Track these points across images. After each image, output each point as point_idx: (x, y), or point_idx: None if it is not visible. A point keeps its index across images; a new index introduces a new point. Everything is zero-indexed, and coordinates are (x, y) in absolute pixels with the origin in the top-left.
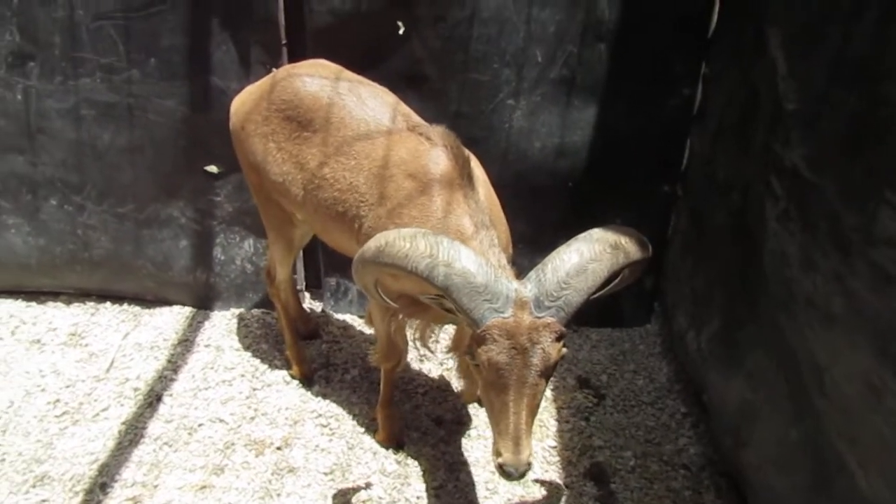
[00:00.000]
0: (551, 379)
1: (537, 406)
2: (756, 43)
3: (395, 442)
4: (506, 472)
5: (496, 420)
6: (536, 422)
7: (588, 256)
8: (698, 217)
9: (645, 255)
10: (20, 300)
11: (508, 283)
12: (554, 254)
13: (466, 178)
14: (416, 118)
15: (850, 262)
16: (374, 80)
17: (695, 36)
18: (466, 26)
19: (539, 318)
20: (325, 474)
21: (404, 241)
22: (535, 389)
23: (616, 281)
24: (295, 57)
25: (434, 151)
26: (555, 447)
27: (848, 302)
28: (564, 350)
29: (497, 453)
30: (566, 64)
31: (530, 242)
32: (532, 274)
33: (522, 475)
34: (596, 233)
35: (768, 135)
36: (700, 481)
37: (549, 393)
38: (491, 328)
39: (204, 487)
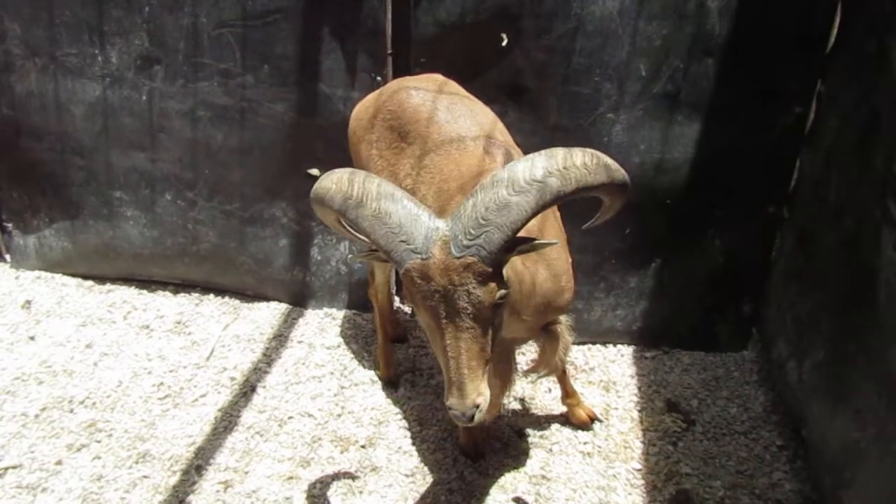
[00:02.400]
0: (636, 399)
1: (483, 349)
2: (879, 59)
3: (475, 451)
4: (454, 416)
5: (441, 363)
6: (616, 440)
7: (511, 188)
8: (806, 241)
9: (604, 179)
10: (133, 287)
11: (429, 222)
12: (478, 187)
13: None
14: (501, 138)
15: None
16: (474, 91)
17: (812, 51)
18: (570, 39)
19: (458, 258)
20: (406, 476)
21: (330, 182)
22: (472, 333)
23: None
24: (399, 66)
25: (491, 167)
26: (639, 470)
27: None
28: (502, 292)
29: (446, 397)
30: (671, 79)
31: (624, 259)
32: (456, 210)
33: (472, 419)
34: (527, 161)
35: (888, 157)
36: None
37: (635, 414)
38: (409, 271)
39: (291, 478)
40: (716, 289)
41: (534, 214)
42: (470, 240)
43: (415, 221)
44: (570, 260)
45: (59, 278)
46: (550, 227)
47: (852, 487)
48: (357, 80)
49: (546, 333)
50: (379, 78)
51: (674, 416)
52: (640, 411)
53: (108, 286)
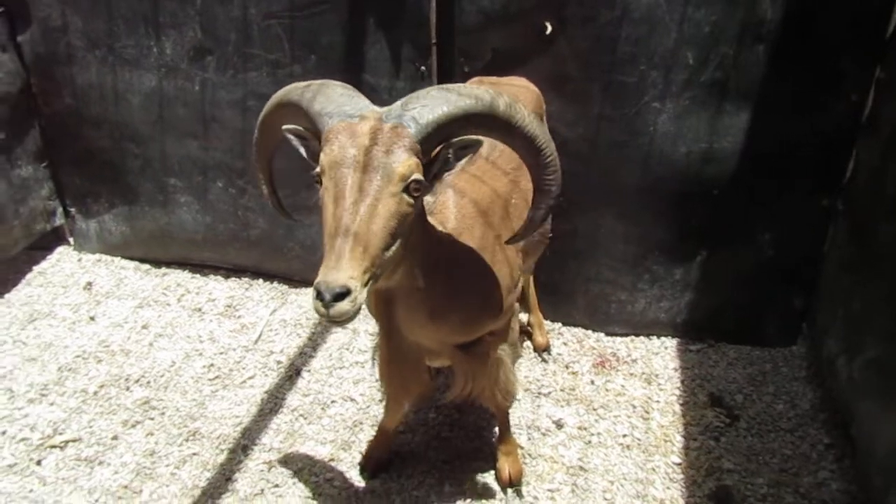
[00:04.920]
0: (679, 392)
1: (378, 231)
2: None
3: (373, 464)
4: (317, 292)
5: (327, 242)
6: (656, 433)
7: (457, 88)
8: (861, 234)
9: (523, 124)
10: (187, 271)
11: (369, 104)
12: None
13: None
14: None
15: None
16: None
17: (870, 36)
18: (615, 26)
19: (387, 123)
20: (445, 462)
21: (292, 86)
22: (373, 206)
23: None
24: (444, 55)
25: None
26: (679, 464)
27: None
28: (418, 176)
29: (318, 276)
30: (720, 66)
31: (669, 251)
32: None
33: (337, 298)
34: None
35: None
36: None
37: (677, 407)
38: (335, 127)
39: (332, 460)
40: (765, 282)
41: (465, 118)
42: (405, 111)
43: (356, 98)
44: (507, 289)
45: (118, 261)
46: (498, 253)
47: None
48: (402, 70)
49: (469, 355)
50: (423, 68)
51: (717, 410)
52: (682, 405)
53: (163, 270)
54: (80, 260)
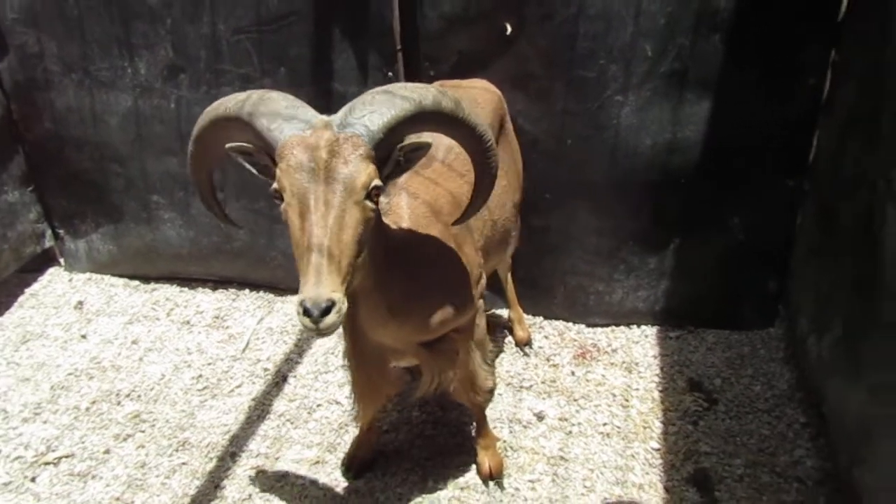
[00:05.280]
0: (658, 379)
1: (349, 244)
2: (885, 27)
3: (357, 464)
4: (306, 310)
5: (299, 257)
6: (636, 420)
7: (399, 90)
8: (825, 215)
9: (462, 116)
10: (175, 285)
11: (315, 113)
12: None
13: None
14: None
15: None
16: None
17: (823, 19)
18: (572, 23)
19: (340, 133)
20: (427, 459)
21: (229, 99)
22: (340, 217)
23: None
24: (409, 61)
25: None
26: (658, 449)
27: None
28: (378, 182)
29: (299, 292)
30: (678, 57)
31: (642, 241)
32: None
33: (324, 313)
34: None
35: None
36: (815, 497)
37: (656, 394)
38: (288, 142)
39: (318, 463)
40: (739, 266)
41: (413, 117)
42: (354, 118)
43: (301, 109)
44: (468, 280)
45: (108, 279)
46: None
47: (866, 464)
48: (369, 77)
49: (434, 353)
50: (391, 74)
51: (695, 395)
52: (661, 391)
53: (152, 285)
54: (70, 280)
